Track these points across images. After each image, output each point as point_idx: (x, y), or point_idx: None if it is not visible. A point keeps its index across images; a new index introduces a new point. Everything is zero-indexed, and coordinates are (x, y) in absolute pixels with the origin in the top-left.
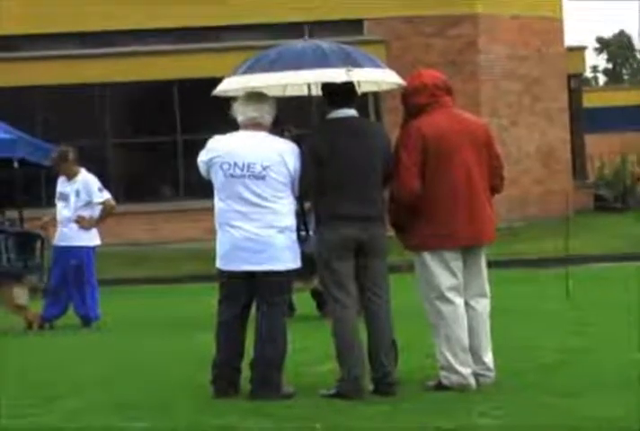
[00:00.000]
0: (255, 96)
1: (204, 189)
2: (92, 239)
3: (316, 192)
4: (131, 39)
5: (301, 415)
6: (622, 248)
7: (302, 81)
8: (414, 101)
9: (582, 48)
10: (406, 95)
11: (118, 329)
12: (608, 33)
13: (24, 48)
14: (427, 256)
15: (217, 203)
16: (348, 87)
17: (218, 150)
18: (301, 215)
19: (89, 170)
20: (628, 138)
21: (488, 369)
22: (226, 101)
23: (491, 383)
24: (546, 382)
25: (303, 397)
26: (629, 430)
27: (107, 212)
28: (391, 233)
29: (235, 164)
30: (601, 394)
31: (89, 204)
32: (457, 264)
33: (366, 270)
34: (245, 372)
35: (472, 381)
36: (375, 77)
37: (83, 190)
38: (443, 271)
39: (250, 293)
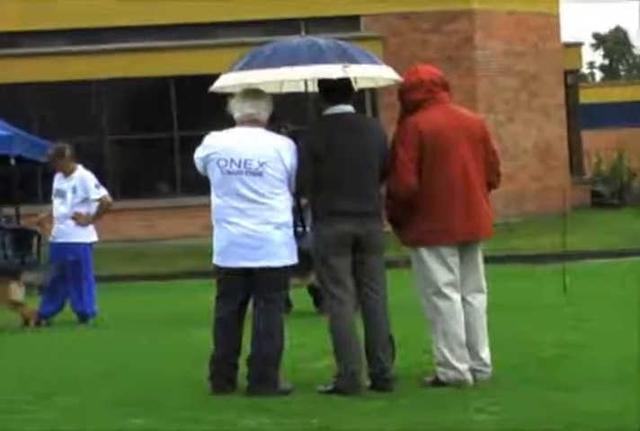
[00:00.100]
0: (252, 92)
1: (201, 185)
2: (89, 235)
3: (313, 188)
4: (128, 35)
5: (298, 411)
6: (619, 244)
7: (299, 77)
8: (411, 97)
9: (578, 44)
10: (403, 91)
11: (115, 326)
12: (604, 29)
13: (21, 45)
14: (424, 251)
15: (214, 199)
16: (344, 83)
17: (215, 146)
18: (298, 211)
19: (86, 166)
20: (625, 134)
21: (485, 365)
22: (223, 98)
23: (488, 379)
24: (543, 378)
25: (300, 393)
26: (626, 424)
27: (104, 208)
28: (388, 228)
29: (232, 161)
30: (598, 389)
31: (86, 200)
32: (453, 260)
33: (363, 266)
34: (243, 368)
35: (469, 376)
36: (371, 73)
37: (79, 187)
38: (440, 267)
39: (247, 289)
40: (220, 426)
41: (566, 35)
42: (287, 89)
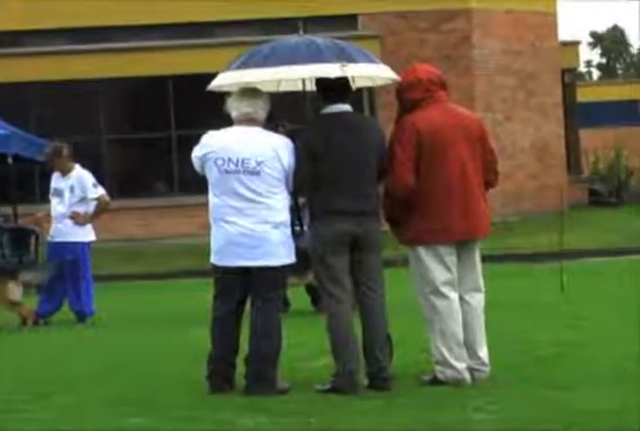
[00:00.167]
0: (249, 91)
1: (198, 184)
2: (87, 234)
3: (311, 187)
4: (126, 34)
5: (296, 410)
6: (616, 242)
7: (296, 76)
8: (409, 96)
9: (575, 43)
10: (401, 90)
11: (113, 325)
12: (601, 28)
13: (19, 44)
14: (421, 250)
15: (212, 198)
16: (342, 82)
17: (212, 145)
18: (295, 211)
19: (83, 165)
20: (622, 133)
21: (483, 364)
22: (221, 97)
23: (486, 378)
24: (541, 376)
25: (298, 392)
26: (625, 423)
27: (101, 208)
28: (386, 227)
29: (230, 160)
30: (596, 388)
31: (83, 200)
32: (451, 258)
33: (361, 265)
34: (240, 367)
35: (467, 375)
36: (369, 72)
37: (77, 186)
38: (438, 266)
39: (245, 288)
40: (218, 425)
41: (564, 34)
42: (284, 88)
